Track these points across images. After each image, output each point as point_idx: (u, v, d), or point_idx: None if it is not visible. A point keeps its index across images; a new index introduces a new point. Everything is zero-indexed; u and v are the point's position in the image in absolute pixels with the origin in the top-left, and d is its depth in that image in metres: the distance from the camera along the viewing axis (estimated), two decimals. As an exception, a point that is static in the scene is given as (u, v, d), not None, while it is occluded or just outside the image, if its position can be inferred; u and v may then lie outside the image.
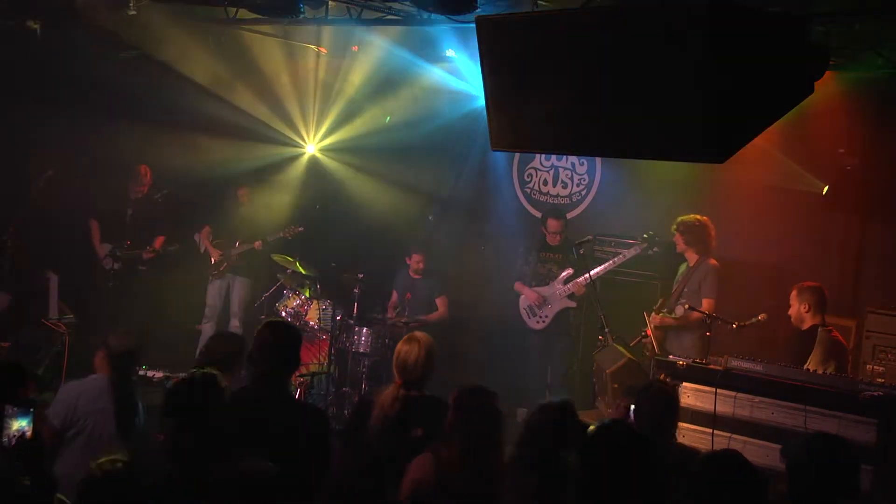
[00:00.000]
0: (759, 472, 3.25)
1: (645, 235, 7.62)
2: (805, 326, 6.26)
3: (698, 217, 7.15)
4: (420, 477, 3.90)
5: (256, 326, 4.53)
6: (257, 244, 9.04)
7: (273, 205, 9.49)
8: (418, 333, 4.81)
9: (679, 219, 7.19)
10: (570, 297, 7.96)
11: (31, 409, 3.77)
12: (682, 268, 7.30)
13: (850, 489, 3.40)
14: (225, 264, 9.20)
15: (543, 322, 8.09)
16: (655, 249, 7.59)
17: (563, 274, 7.99)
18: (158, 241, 9.26)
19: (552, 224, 8.11)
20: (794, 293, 6.35)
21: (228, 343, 4.93)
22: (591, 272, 7.36)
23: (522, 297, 8.17)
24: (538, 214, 8.84)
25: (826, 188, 7.41)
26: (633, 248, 7.66)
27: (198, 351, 4.91)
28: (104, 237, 9.44)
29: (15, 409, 3.72)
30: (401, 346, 4.71)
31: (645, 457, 3.14)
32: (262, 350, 4.25)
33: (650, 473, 3.12)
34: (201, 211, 9.62)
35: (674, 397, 4.63)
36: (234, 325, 9.24)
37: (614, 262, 7.68)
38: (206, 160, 9.48)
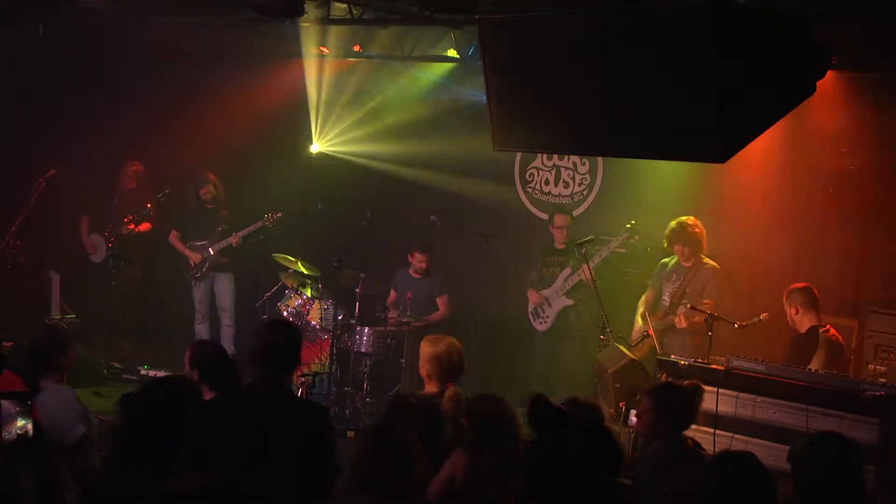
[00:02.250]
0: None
1: (627, 225, 7.63)
2: (803, 329, 6.24)
3: (685, 221, 7.13)
4: (453, 475, 3.96)
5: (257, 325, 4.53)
6: (233, 239, 8.93)
7: (256, 198, 9.37)
8: (439, 335, 4.95)
9: (669, 230, 7.16)
10: (568, 294, 7.97)
11: (30, 405, 3.76)
12: (670, 262, 7.29)
13: (857, 489, 3.39)
14: (207, 265, 9.08)
15: (546, 323, 8.13)
16: (637, 238, 7.61)
17: (563, 274, 8.02)
18: (143, 226, 9.21)
19: (558, 219, 8.14)
20: (784, 298, 6.35)
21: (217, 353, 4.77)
22: (586, 265, 7.37)
23: (530, 301, 8.23)
24: (540, 214, 8.85)
25: (830, 188, 7.41)
26: (617, 237, 7.68)
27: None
28: (94, 228, 9.43)
29: (17, 407, 3.71)
30: (438, 350, 4.82)
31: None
32: (263, 349, 4.22)
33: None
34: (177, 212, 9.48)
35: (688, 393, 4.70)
36: (226, 322, 9.15)
37: (601, 255, 7.71)
38: (204, 157, 9.46)
